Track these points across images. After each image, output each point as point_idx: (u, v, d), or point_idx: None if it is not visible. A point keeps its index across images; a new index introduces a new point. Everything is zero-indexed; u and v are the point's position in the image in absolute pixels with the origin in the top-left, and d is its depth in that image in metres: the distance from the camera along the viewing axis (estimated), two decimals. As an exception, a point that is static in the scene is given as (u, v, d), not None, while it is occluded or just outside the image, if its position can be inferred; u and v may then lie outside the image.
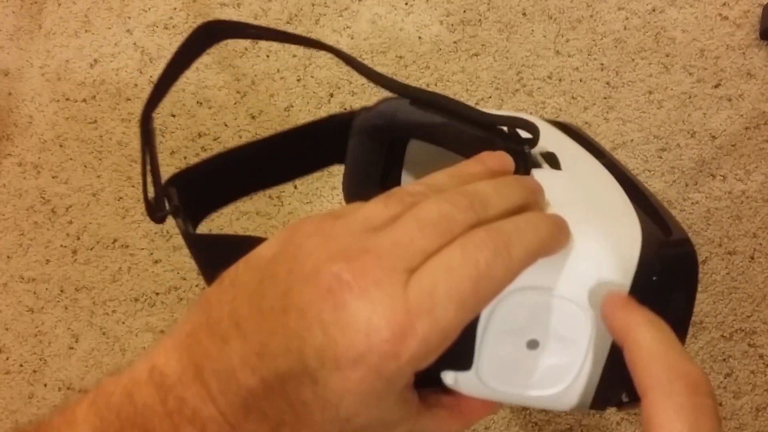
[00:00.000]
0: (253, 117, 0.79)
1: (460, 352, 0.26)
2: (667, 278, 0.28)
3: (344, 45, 0.79)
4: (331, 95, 0.79)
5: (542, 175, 0.32)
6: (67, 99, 0.81)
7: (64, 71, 0.81)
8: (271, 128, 0.78)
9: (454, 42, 0.79)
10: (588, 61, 0.77)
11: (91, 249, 0.77)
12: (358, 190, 0.48)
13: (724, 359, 0.71)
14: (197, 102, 0.79)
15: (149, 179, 0.37)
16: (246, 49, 0.80)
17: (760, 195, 0.73)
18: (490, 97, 0.78)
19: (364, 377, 0.22)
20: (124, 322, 0.75)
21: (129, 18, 0.82)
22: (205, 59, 0.79)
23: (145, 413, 0.23)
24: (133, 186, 0.78)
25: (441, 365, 0.26)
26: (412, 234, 0.23)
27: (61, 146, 0.79)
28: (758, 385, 0.70)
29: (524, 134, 0.33)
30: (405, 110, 0.39)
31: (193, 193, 0.40)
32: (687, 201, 0.74)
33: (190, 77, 0.79)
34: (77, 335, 0.75)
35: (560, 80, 0.77)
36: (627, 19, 0.77)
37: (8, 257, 0.77)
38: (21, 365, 0.75)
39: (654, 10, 0.77)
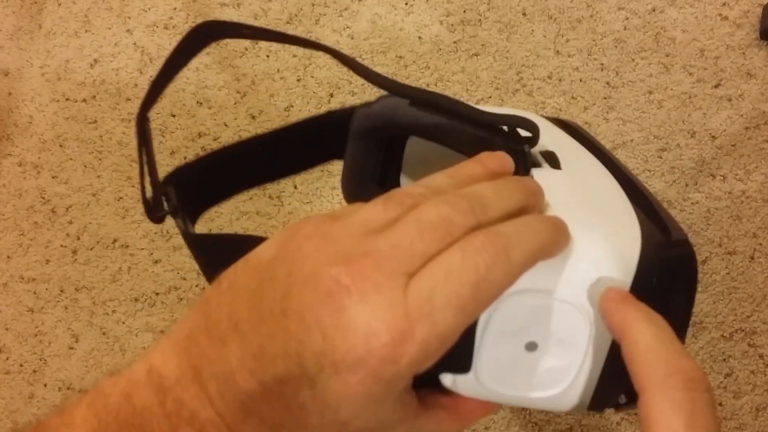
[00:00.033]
0: (253, 117, 0.79)
1: (459, 355, 0.26)
2: (666, 280, 0.28)
3: (344, 45, 0.79)
4: (331, 95, 0.79)
5: (542, 174, 0.32)
6: (67, 99, 0.81)
7: (64, 71, 0.81)
8: (270, 128, 0.78)
9: (454, 42, 0.79)
10: (588, 61, 0.77)
11: (91, 249, 0.77)
12: (356, 186, 0.48)
13: (724, 359, 0.71)
14: (197, 102, 0.79)
15: (147, 179, 0.37)
16: (246, 49, 0.80)
17: (760, 195, 0.73)
18: (490, 97, 0.78)
19: (363, 381, 0.22)
20: (124, 322, 0.75)
21: (129, 18, 0.82)
22: (205, 59, 0.79)
23: (144, 415, 0.23)
24: (133, 186, 0.78)
25: (439, 368, 0.26)
26: (412, 237, 0.23)
27: (61, 146, 0.79)
28: (758, 385, 0.70)
29: (524, 132, 0.33)
30: (404, 108, 0.39)
31: (191, 189, 0.40)
32: (687, 201, 0.74)
33: (190, 77, 0.79)
34: (77, 335, 0.75)
35: (560, 80, 0.77)
36: (627, 19, 0.77)
37: (8, 257, 0.77)
38: (21, 365, 0.75)
39: (654, 10, 0.77)
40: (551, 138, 0.36)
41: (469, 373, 0.27)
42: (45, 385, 0.75)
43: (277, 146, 0.44)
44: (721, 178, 0.74)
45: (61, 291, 0.76)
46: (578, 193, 0.31)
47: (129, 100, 0.80)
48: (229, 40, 0.80)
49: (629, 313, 0.25)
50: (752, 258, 0.72)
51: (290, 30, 0.80)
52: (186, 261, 0.75)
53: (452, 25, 0.79)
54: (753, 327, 0.71)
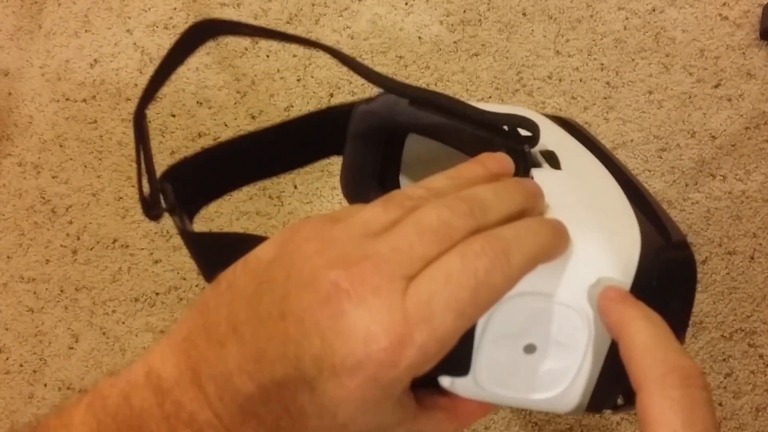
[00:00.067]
0: (253, 117, 0.79)
1: (457, 358, 0.26)
2: (666, 282, 0.28)
3: (344, 45, 0.79)
4: (331, 95, 0.79)
5: (542, 175, 0.32)
6: (67, 99, 0.81)
7: (64, 71, 0.81)
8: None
9: (454, 42, 0.79)
10: (588, 61, 0.77)
11: (91, 249, 0.77)
12: (356, 184, 0.48)
13: (724, 359, 0.71)
14: (197, 102, 0.79)
15: (145, 176, 0.37)
16: (246, 49, 0.80)
17: (760, 195, 0.73)
18: (490, 97, 0.78)
19: (362, 385, 0.22)
20: (124, 322, 0.75)
21: (129, 18, 0.82)
22: (205, 59, 0.80)
23: (142, 416, 0.23)
24: (133, 186, 0.78)
25: (438, 371, 0.26)
26: (412, 241, 0.23)
27: (61, 146, 0.79)
28: (758, 385, 0.70)
29: (524, 132, 0.33)
30: (403, 106, 0.39)
31: (189, 185, 0.40)
32: (687, 201, 0.74)
33: (190, 77, 0.79)
34: (77, 335, 0.75)
35: (560, 80, 0.77)
36: (627, 19, 0.77)
37: (8, 257, 0.77)
38: (21, 365, 0.75)
39: (654, 10, 0.77)
40: (551, 137, 0.36)
41: (467, 376, 0.27)
42: (45, 385, 0.75)
43: (276, 142, 0.44)
44: (721, 178, 0.74)
45: (61, 291, 0.76)
46: (578, 194, 0.31)
47: (129, 100, 0.80)
48: (229, 41, 0.80)
49: (627, 311, 0.25)
50: (752, 258, 0.72)
51: (290, 30, 0.80)
52: (186, 261, 0.75)
53: (452, 25, 0.79)
54: (753, 327, 0.71)
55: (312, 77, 0.79)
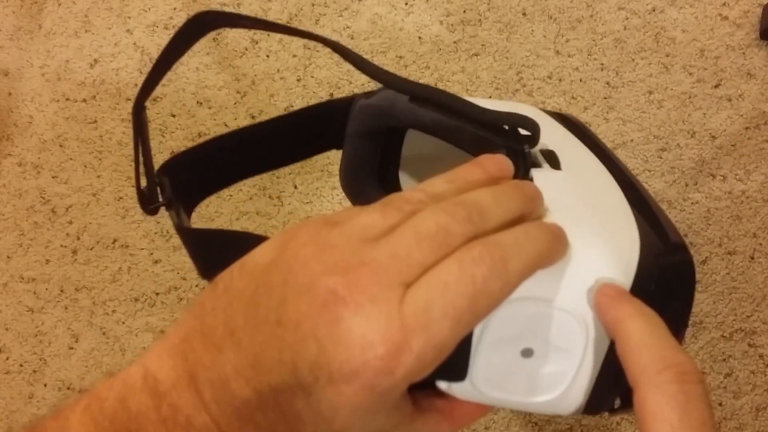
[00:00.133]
0: (253, 117, 0.79)
1: (455, 363, 0.26)
2: (665, 287, 0.28)
3: (344, 45, 0.79)
4: (331, 95, 0.79)
5: (542, 176, 0.32)
6: (67, 99, 0.81)
7: (64, 71, 0.81)
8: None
9: (454, 42, 0.79)
10: (588, 61, 0.77)
11: (91, 249, 0.77)
12: (355, 178, 0.47)
13: (724, 359, 0.71)
14: (197, 102, 0.79)
15: (143, 172, 0.37)
16: (246, 49, 0.80)
17: (760, 195, 0.73)
18: (490, 96, 0.78)
19: (358, 392, 0.22)
20: (124, 322, 0.75)
21: (129, 18, 0.82)
22: (205, 59, 0.80)
23: (139, 419, 0.23)
24: (133, 186, 0.78)
25: (435, 375, 0.26)
26: (409, 247, 0.23)
27: (61, 146, 0.79)
28: (758, 385, 0.70)
29: (524, 131, 0.33)
30: (404, 101, 0.39)
31: (187, 178, 0.40)
32: (687, 201, 0.74)
33: (190, 77, 0.79)
34: (77, 335, 0.75)
35: (560, 80, 0.77)
36: (627, 19, 0.77)
37: (8, 257, 0.77)
38: (21, 365, 0.75)
39: (654, 10, 0.77)
40: (551, 136, 0.36)
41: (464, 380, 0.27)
42: (45, 385, 0.75)
43: (274, 135, 0.44)
44: (721, 178, 0.74)
45: (61, 291, 0.76)
46: (577, 196, 0.31)
47: (129, 100, 0.80)
48: (229, 40, 0.80)
49: (623, 308, 0.25)
50: (752, 258, 0.72)
51: (290, 30, 0.80)
52: (186, 261, 0.75)
53: (452, 25, 0.79)
54: (753, 327, 0.71)
55: (312, 77, 0.79)
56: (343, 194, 0.50)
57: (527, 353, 0.27)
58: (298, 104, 0.79)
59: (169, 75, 0.79)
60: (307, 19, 0.80)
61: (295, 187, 0.76)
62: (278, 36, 0.79)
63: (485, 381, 0.27)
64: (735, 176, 0.74)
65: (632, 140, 0.75)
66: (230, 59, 0.80)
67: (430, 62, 0.78)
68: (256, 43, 0.80)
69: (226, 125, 0.79)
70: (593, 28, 0.78)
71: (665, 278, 0.28)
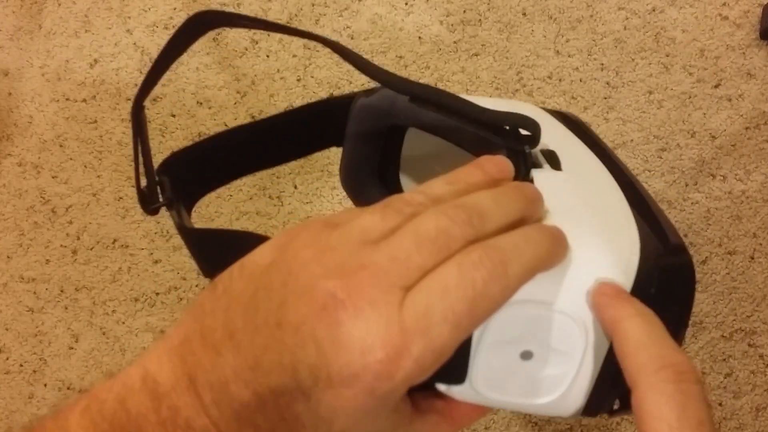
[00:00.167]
0: (253, 117, 0.79)
1: (454, 366, 0.26)
2: (665, 289, 0.28)
3: (344, 45, 0.79)
4: (331, 95, 0.79)
5: (542, 177, 0.32)
6: (67, 99, 0.81)
7: (64, 71, 0.81)
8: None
9: (454, 42, 0.79)
10: (588, 61, 0.77)
11: (91, 249, 0.77)
12: (355, 176, 0.47)
13: (724, 359, 0.71)
14: (197, 102, 0.79)
15: (143, 172, 0.37)
16: (246, 49, 0.80)
17: (760, 195, 0.73)
18: (490, 96, 0.78)
19: (358, 395, 0.22)
20: (124, 322, 0.75)
21: (129, 18, 0.82)
22: (205, 59, 0.79)
23: (138, 421, 0.23)
24: (133, 186, 0.78)
25: (434, 378, 0.26)
26: (409, 250, 0.23)
27: (61, 146, 0.79)
28: (758, 385, 0.70)
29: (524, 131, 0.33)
30: (404, 100, 0.39)
31: (187, 176, 0.40)
32: (687, 201, 0.74)
33: (190, 77, 0.79)
34: (77, 335, 0.75)
35: (560, 80, 0.77)
36: (627, 19, 0.77)
37: (8, 257, 0.77)
38: (21, 365, 0.75)
39: (654, 10, 0.77)
40: (552, 135, 0.36)
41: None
42: (45, 385, 0.75)
43: (274, 132, 0.44)
44: (721, 178, 0.74)
45: (61, 291, 0.76)
46: (578, 198, 0.31)
47: (129, 100, 0.80)
48: (229, 40, 0.80)
49: (621, 308, 0.25)
50: (752, 258, 0.72)
51: (290, 30, 0.80)
52: (186, 261, 0.75)
53: (452, 25, 0.79)
54: (753, 327, 0.71)
55: (312, 77, 0.79)
56: (343, 194, 0.50)
57: (527, 356, 0.27)
58: (298, 104, 0.78)
59: (169, 75, 0.79)
60: (307, 19, 0.80)
61: (295, 187, 0.76)
62: (278, 36, 0.79)
63: (484, 383, 0.27)
64: (735, 176, 0.74)
65: (632, 140, 0.75)
66: (230, 59, 0.80)
67: (430, 62, 0.78)
68: (256, 43, 0.80)
69: (226, 125, 0.79)
70: (593, 28, 0.78)
71: (665, 280, 0.28)
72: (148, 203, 0.37)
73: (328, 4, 0.80)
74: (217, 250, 0.34)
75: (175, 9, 0.82)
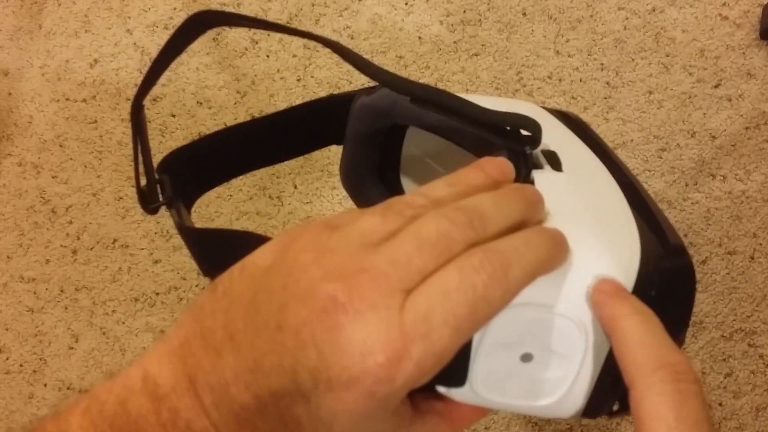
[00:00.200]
0: (253, 117, 0.79)
1: (454, 369, 0.25)
2: (665, 292, 0.28)
3: (344, 45, 0.79)
4: (332, 94, 0.79)
5: (543, 178, 0.32)
6: (67, 99, 0.81)
7: (64, 71, 0.81)
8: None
9: (454, 42, 0.79)
10: (588, 61, 0.77)
11: (91, 249, 0.77)
12: (356, 176, 0.47)
13: (724, 359, 0.71)
14: (197, 102, 0.79)
15: (142, 171, 0.37)
16: (246, 49, 0.80)
17: (760, 195, 0.73)
18: (490, 96, 0.78)
19: (358, 399, 0.22)
20: (124, 322, 0.75)
21: (129, 18, 0.82)
22: (205, 59, 0.79)
23: (139, 423, 0.23)
24: (133, 186, 0.78)
25: (434, 381, 0.26)
26: (410, 253, 0.23)
27: (61, 146, 0.79)
28: (758, 385, 0.70)
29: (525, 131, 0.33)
30: (405, 99, 0.39)
31: (187, 172, 0.40)
32: (687, 201, 0.74)
33: (190, 77, 0.79)
34: (77, 335, 0.75)
35: (560, 80, 0.77)
36: (627, 19, 0.77)
37: (8, 257, 0.77)
38: (21, 365, 0.75)
39: (654, 10, 0.77)
40: (553, 135, 0.36)
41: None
42: (45, 385, 0.75)
43: (274, 130, 0.44)
44: (721, 178, 0.74)
45: (61, 291, 0.76)
46: (579, 199, 0.31)
47: (129, 100, 0.80)
48: (229, 41, 0.80)
49: (619, 307, 0.25)
50: (752, 258, 0.72)
51: (290, 30, 0.80)
52: (186, 261, 0.75)
53: (452, 25, 0.79)
54: (753, 327, 0.71)
55: (312, 77, 0.79)
56: (344, 194, 0.50)
57: (527, 358, 0.27)
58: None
59: (170, 75, 0.79)
60: (307, 19, 0.80)
61: (295, 187, 0.76)
62: (278, 36, 0.79)
63: (484, 385, 0.27)
64: (735, 176, 0.74)
65: (632, 140, 0.75)
66: (230, 59, 0.80)
67: (430, 62, 0.78)
68: (256, 43, 0.80)
69: (226, 125, 0.78)
70: (593, 28, 0.78)
71: (666, 283, 0.28)
72: (148, 202, 0.37)
73: (328, 4, 0.80)
74: (216, 250, 0.34)
75: (175, 9, 0.82)
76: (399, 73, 0.34)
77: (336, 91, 0.79)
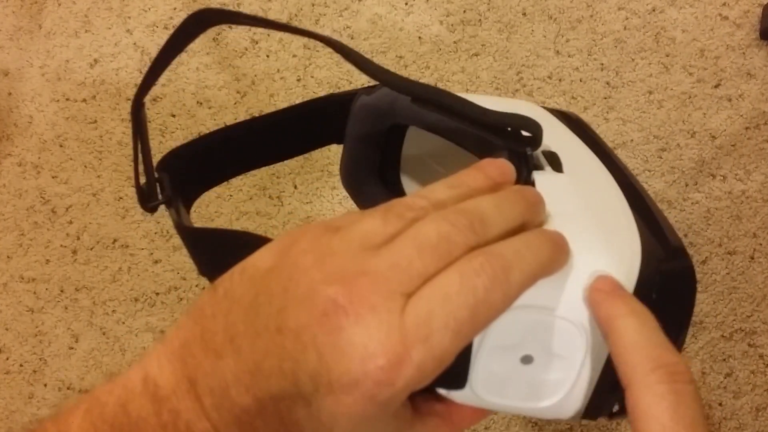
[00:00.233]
0: (253, 117, 0.79)
1: (454, 372, 0.25)
2: (666, 294, 0.28)
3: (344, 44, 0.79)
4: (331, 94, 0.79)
5: (543, 179, 0.32)
6: (67, 99, 0.80)
7: (64, 71, 0.81)
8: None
9: (454, 42, 0.79)
10: (588, 61, 0.77)
11: (91, 249, 0.77)
12: (356, 175, 0.47)
13: (724, 359, 0.71)
14: (197, 102, 0.79)
15: (142, 170, 0.37)
16: (246, 49, 0.80)
17: (760, 195, 0.73)
18: (491, 96, 0.78)
19: (358, 402, 0.22)
20: (124, 322, 0.75)
21: (129, 18, 0.82)
22: (205, 59, 0.79)
23: (139, 424, 0.23)
24: (133, 186, 0.78)
25: (435, 383, 0.26)
26: (411, 257, 0.23)
27: (61, 146, 0.79)
28: (758, 385, 0.70)
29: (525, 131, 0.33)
30: (405, 99, 0.39)
31: (187, 171, 0.40)
32: (687, 201, 0.74)
33: (190, 77, 0.79)
34: (77, 335, 0.75)
35: (560, 80, 0.77)
36: (627, 19, 0.77)
37: (8, 257, 0.77)
38: (21, 365, 0.75)
39: (654, 10, 0.77)
40: (553, 136, 0.36)
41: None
42: (45, 385, 0.75)
43: (274, 129, 0.44)
44: (721, 178, 0.74)
45: (61, 291, 0.76)
46: (579, 201, 0.31)
47: (129, 100, 0.80)
48: (229, 41, 0.80)
49: (616, 306, 0.25)
50: (752, 258, 0.72)
51: (290, 30, 0.80)
52: (186, 261, 0.75)
53: (452, 25, 0.79)
54: (753, 327, 0.71)
55: (312, 77, 0.79)
56: (344, 194, 0.50)
57: (527, 360, 0.27)
58: (298, 104, 0.79)
59: (170, 75, 0.79)
60: (307, 19, 0.80)
61: (295, 187, 0.76)
62: (278, 36, 0.79)
63: (484, 387, 0.27)
64: (735, 176, 0.74)
65: (632, 140, 0.75)
66: (230, 59, 0.80)
67: (430, 62, 0.78)
68: (256, 43, 0.80)
69: (225, 125, 0.79)
70: (593, 28, 0.78)
71: (666, 287, 0.28)
72: (147, 201, 0.37)
73: (328, 4, 0.80)
74: (216, 250, 0.34)
75: (175, 9, 0.82)
76: (399, 73, 0.34)
77: (336, 91, 0.79)
